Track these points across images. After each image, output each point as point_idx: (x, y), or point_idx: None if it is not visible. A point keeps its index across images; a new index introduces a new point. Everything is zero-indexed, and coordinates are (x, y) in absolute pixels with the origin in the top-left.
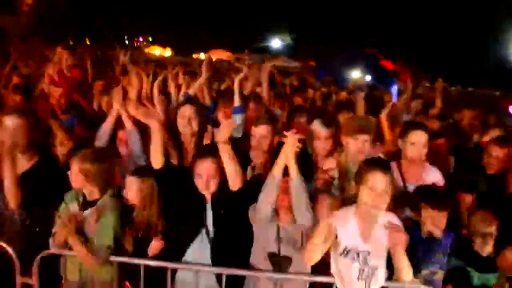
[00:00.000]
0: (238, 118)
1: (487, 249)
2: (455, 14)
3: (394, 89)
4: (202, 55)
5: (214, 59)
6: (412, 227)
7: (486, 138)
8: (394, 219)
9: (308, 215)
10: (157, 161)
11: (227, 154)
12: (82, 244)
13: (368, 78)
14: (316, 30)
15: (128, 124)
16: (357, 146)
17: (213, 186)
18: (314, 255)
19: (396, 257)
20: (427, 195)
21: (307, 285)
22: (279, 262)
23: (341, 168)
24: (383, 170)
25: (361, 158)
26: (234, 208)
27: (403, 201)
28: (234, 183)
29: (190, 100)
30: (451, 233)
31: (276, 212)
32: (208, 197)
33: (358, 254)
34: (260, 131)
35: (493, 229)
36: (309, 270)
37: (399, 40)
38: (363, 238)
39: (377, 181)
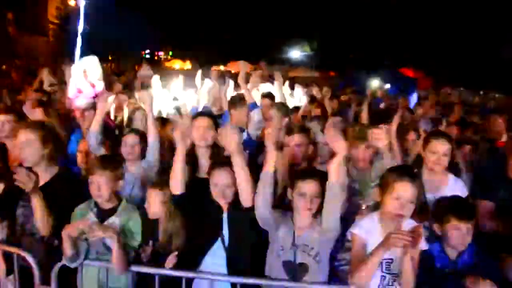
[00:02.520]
0: (256, 114)
1: None
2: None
3: (414, 97)
4: (222, 68)
5: (233, 71)
6: (433, 241)
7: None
8: (414, 223)
9: (337, 224)
10: (176, 187)
11: (238, 166)
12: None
13: (388, 86)
14: (337, 40)
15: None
16: (358, 154)
17: (229, 196)
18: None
19: (404, 259)
20: (453, 205)
21: None
22: (295, 270)
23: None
24: (411, 179)
25: (363, 165)
26: (250, 217)
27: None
28: (246, 199)
29: (206, 112)
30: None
31: (291, 217)
32: (225, 206)
33: (381, 262)
34: (296, 140)
35: None
36: (325, 278)
37: (419, 48)
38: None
39: (404, 190)
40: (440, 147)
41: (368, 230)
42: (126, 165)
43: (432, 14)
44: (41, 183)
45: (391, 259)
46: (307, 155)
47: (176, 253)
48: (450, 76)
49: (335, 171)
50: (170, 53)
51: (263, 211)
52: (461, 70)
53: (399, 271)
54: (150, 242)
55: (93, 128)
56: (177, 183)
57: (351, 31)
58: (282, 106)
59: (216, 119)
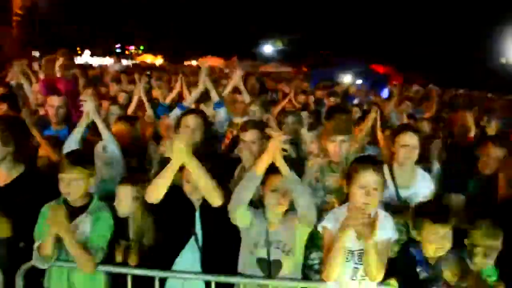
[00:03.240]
0: (222, 112)
1: (486, 263)
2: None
3: (385, 92)
4: (193, 63)
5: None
6: (413, 245)
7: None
8: (386, 214)
9: (312, 215)
10: (152, 199)
11: (192, 169)
12: (79, 245)
13: (359, 82)
14: (309, 35)
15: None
16: (335, 147)
17: (200, 192)
18: (334, 272)
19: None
20: (429, 209)
21: None
22: (269, 267)
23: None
24: (374, 167)
25: (340, 159)
26: (224, 213)
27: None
28: (214, 201)
29: (194, 110)
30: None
31: (263, 213)
32: (197, 204)
33: (352, 253)
34: (249, 136)
35: (496, 243)
36: (299, 274)
37: (391, 43)
38: (357, 237)
39: (368, 179)
40: (409, 140)
41: (337, 223)
42: None
43: (403, 10)
44: (5, 182)
45: (363, 250)
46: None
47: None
48: (421, 72)
49: (280, 165)
50: (141, 47)
51: (241, 209)
52: (431, 66)
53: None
54: (123, 242)
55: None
56: (156, 196)
57: (324, 27)
58: (263, 102)
59: (206, 118)
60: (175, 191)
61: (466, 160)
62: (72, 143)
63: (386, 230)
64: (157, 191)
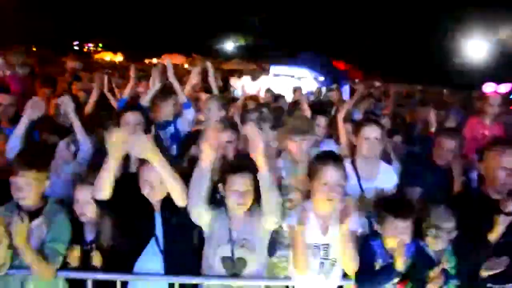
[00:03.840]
0: (190, 113)
1: (438, 244)
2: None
3: (346, 89)
4: (155, 60)
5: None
6: (374, 240)
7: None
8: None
9: (277, 214)
10: (99, 195)
11: (160, 169)
12: (36, 253)
13: (322, 79)
14: (271, 32)
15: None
16: (297, 146)
17: (160, 193)
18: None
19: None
20: (390, 204)
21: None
22: (233, 266)
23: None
24: (335, 163)
25: (302, 158)
26: (185, 214)
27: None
28: (178, 198)
29: (133, 106)
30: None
31: (226, 211)
32: (157, 204)
33: (318, 248)
34: (225, 137)
35: (451, 225)
36: (264, 272)
37: (350, 41)
38: (321, 232)
39: (330, 175)
40: (372, 133)
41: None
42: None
43: (363, 6)
44: None
45: (328, 244)
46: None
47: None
48: (380, 69)
49: (261, 162)
50: (100, 44)
51: (198, 207)
52: (391, 62)
53: (337, 256)
54: (78, 246)
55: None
56: (102, 192)
57: (285, 24)
58: (220, 99)
59: (147, 113)
60: (134, 191)
61: (424, 154)
62: (15, 142)
63: (352, 223)
64: (101, 187)
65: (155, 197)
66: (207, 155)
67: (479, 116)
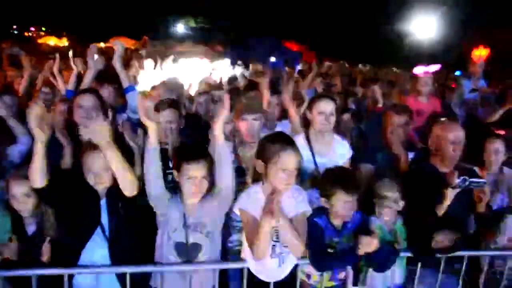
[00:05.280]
0: (134, 97)
1: (386, 215)
2: None
3: (298, 69)
4: (102, 44)
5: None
6: (319, 215)
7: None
8: (298, 189)
9: (230, 192)
10: (35, 181)
11: (109, 158)
12: None
13: (273, 59)
14: (223, 14)
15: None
16: (247, 125)
17: (106, 180)
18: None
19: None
20: (340, 179)
21: (218, 271)
22: (187, 251)
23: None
24: (293, 147)
25: (253, 138)
26: (132, 201)
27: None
28: (125, 187)
29: (90, 89)
30: (358, 213)
31: (180, 197)
32: (102, 192)
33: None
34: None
35: (394, 194)
36: (218, 256)
37: (303, 21)
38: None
39: (289, 160)
40: (326, 106)
41: (252, 203)
42: None
43: None
44: None
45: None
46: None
47: (47, 242)
48: (332, 49)
49: (219, 132)
50: (43, 29)
51: (156, 189)
52: (342, 43)
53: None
54: (14, 238)
55: None
56: (37, 179)
57: (237, 6)
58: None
59: (101, 98)
60: (77, 179)
61: (375, 130)
62: None
63: (300, 203)
64: (33, 175)
65: (101, 185)
66: (153, 133)
67: (414, 95)
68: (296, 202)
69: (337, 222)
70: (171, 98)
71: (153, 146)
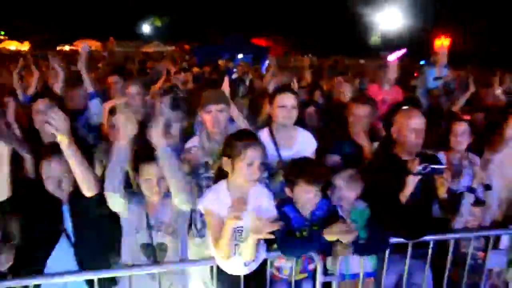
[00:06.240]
0: (95, 104)
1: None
2: None
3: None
4: (67, 48)
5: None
6: (286, 204)
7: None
8: (264, 190)
9: (186, 193)
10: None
11: (69, 159)
12: None
13: (240, 56)
14: (189, 13)
15: None
16: (212, 117)
17: (66, 186)
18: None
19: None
20: (303, 169)
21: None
22: (153, 252)
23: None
24: (258, 142)
25: (219, 130)
26: (96, 203)
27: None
28: (87, 188)
29: (44, 93)
30: (324, 201)
31: (142, 197)
32: (64, 198)
33: (233, 230)
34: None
35: (352, 197)
36: (185, 254)
37: (271, 17)
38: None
39: (255, 156)
40: (288, 100)
41: (217, 201)
42: None
43: None
44: None
45: (242, 227)
46: None
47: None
48: (300, 43)
49: (156, 141)
50: (2, 32)
51: (114, 190)
52: (310, 37)
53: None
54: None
55: None
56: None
57: (203, 4)
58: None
59: (60, 101)
60: (39, 188)
61: (341, 124)
62: None
63: (264, 211)
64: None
65: (60, 191)
66: (123, 133)
67: (378, 83)
68: (264, 203)
69: (304, 210)
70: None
71: (124, 145)
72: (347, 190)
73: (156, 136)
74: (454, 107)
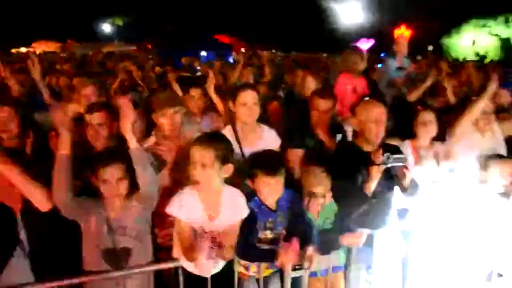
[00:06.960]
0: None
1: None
2: None
3: (230, 60)
4: (23, 49)
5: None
6: (252, 197)
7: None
8: (237, 193)
9: (153, 192)
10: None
11: (10, 175)
12: None
13: (204, 54)
14: (151, 12)
15: None
16: (167, 120)
17: (17, 196)
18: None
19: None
20: (260, 161)
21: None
22: (117, 257)
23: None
24: (208, 144)
25: (174, 133)
26: (51, 213)
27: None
28: (39, 202)
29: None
30: (288, 191)
31: (102, 201)
32: (16, 208)
33: (205, 233)
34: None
35: (321, 189)
36: (150, 257)
37: (232, 14)
38: (209, 215)
39: (199, 155)
40: (249, 97)
41: (188, 207)
42: None
43: None
44: None
45: (213, 231)
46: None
47: None
48: (263, 40)
49: (129, 138)
50: None
51: (63, 201)
52: (273, 33)
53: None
54: None
55: None
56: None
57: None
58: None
59: (20, 107)
60: None
61: (304, 118)
62: None
63: (238, 210)
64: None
65: (11, 202)
66: (64, 141)
67: (348, 72)
68: (235, 208)
69: (269, 202)
70: (102, 101)
71: (66, 153)
72: (316, 186)
73: (126, 130)
74: (413, 97)
